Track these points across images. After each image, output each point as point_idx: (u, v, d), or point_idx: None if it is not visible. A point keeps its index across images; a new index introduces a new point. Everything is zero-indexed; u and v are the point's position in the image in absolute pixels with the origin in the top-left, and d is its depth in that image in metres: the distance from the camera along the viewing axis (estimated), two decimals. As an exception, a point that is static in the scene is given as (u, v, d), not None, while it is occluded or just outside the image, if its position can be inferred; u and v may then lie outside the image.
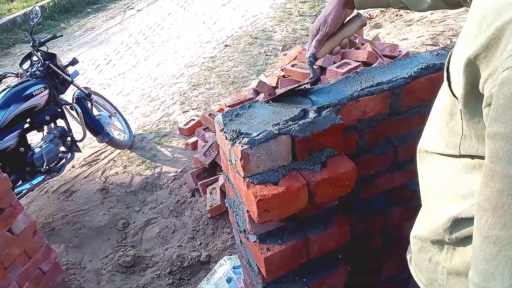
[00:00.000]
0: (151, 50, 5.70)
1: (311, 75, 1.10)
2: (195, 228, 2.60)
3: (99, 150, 3.58)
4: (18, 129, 2.74)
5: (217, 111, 3.33)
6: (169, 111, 4.06)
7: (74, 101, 3.16)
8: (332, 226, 1.07)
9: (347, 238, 1.10)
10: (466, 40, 0.55)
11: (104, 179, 3.19)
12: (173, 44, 5.71)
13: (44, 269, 2.22)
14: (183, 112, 3.97)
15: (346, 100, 1.03)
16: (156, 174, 3.15)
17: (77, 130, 3.39)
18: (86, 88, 3.33)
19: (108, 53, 5.89)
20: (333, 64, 2.83)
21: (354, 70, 1.15)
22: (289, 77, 3.03)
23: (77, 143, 3.19)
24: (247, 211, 0.99)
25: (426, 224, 0.76)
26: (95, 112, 3.38)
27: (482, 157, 0.60)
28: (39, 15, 3.04)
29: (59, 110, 3.04)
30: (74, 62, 3.20)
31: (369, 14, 5.02)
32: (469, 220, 0.65)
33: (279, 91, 2.99)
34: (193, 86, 4.43)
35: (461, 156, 0.65)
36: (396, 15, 4.75)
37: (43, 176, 2.83)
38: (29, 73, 2.94)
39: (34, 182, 2.78)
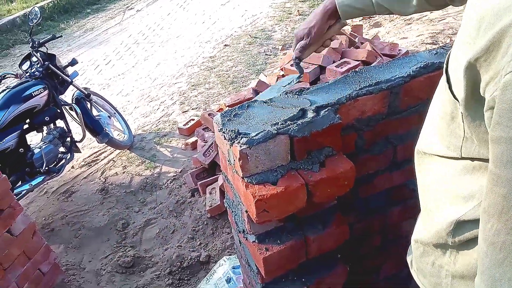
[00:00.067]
0: (150, 50, 5.70)
1: (299, 73, 1.22)
2: (195, 228, 2.60)
3: (98, 151, 3.58)
4: (18, 130, 2.74)
5: (217, 111, 3.33)
6: (168, 111, 4.06)
7: (74, 102, 3.16)
8: (331, 226, 1.06)
9: (346, 238, 1.10)
10: (464, 43, 0.55)
11: (104, 180, 3.19)
12: (173, 44, 5.71)
13: (43, 270, 2.22)
14: (183, 112, 3.97)
15: (344, 100, 1.03)
16: (155, 174, 3.15)
17: (76, 130, 3.39)
18: (85, 88, 3.33)
19: (108, 53, 5.89)
20: (333, 63, 2.83)
21: (353, 69, 1.15)
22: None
23: (77, 143, 3.19)
24: (246, 211, 0.99)
25: (428, 227, 0.75)
26: (94, 112, 3.38)
27: (483, 159, 0.60)
28: (39, 16, 3.04)
29: (59, 110, 3.04)
30: (73, 62, 3.20)
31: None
32: (472, 223, 0.64)
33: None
34: (192, 86, 4.43)
35: (462, 158, 0.64)
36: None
37: (42, 177, 2.83)
38: (28, 73, 2.94)
39: (34, 183, 2.78)
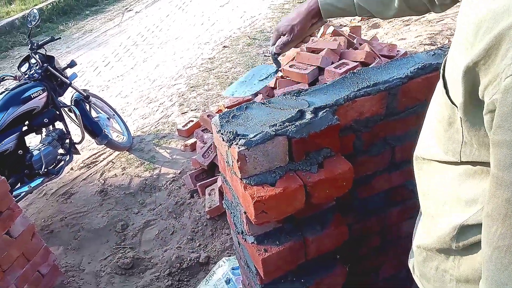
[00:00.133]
0: (149, 51, 5.70)
1: (277, 67, 1.18)
2: (194, 230, 2.60)
3: (97, 152, 3.58)
4: (17, 132, 2.74)
5: (216, 112, 3.34)
6: (167, 112, 4.06)
7: (73, 104, 3.16)
8: (329, 227, 1.07)
9: (344, 239, 1.10)
10: (461, 48, 0.55)
11: (103, 181, 3.19)
12: (172, 46, 5.72)
13: (42, 272, 2.22)
14: (182, 113, 3.97)
15: (342, 101, 1.04)
16: (154, 176, 3.15)
17: (75, 132, 3.39)
18: (84, 90, 3.33)
19: (107, 55, 5.89)
20: (331, 65, 2.84)
21: (351, 71, 1.16)
22: (287, 78, 3.03)
23: (76, 145, 3.18)
24: (245, 213, 0.99)
25: (430, 232, 0.75)
26: (93, 114, 3.38)
27: (484, 163, 0.60)
28: (37, 17, 3.04)
29: (58, 112, 3.04)
30: (72, 64, 3.21)
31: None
32: (475, 227, 0.64)
33: (277, 92, 3.00)
34: (191, 87, 4.43)
35: (461, 162, 0.64)
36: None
37: (41, 179, 2.83)
38: (27, 75, 2.94)
39: (33, 184, 2.78)
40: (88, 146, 3.68)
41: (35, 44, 2.98)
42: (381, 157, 1.19)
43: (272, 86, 3.11)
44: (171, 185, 3.02)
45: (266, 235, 1.04)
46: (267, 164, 0.93)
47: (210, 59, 5.02)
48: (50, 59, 3.07)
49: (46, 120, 2.94)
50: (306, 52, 3.04)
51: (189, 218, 2.69)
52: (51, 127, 3.06)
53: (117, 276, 2.41)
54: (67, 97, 3.32)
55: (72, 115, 3.19)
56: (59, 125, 3.13)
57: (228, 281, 1.85)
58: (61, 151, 3.07)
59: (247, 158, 0.89)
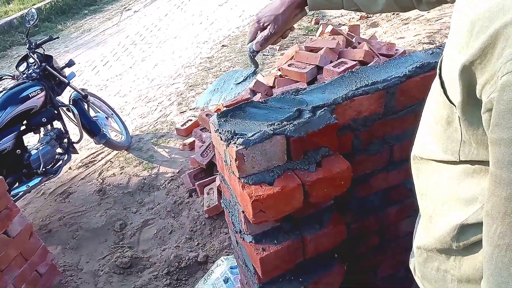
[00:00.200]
0: (148, 51, 5.69)
1: (254, 67, 1.08)
2: (193, 229, 2.60)
3: (96, 152, 3.58)
4: (15, 131, 2.74)
5: (214, 111, 3.33)
6: (166, 111, 4.05)
7: (71, 103, 3.16)
8: (327, 226, 1.06)
9: (343, 238, 1.10)
10: (457, 47, 0.54)
11: (101, 181, 3.19)
12: (170, 45, 5.71)
13: (40, 271, 2.21)
14: (180, 112, 3.96)
15: (341, 100, 1.03)
16: (153, 175, 3.15)
17: (73, 131, 3.38)
18: (82, 89, 3.33)
19: (105, 54, 5.88)
20: (330, 64, 2.84)
21: (350, 70, 1.16)
22: (286, 77, 3.03)
23: (74, 144, 3.18)
24: (243, 212, 0.99)
25: (430, 233, 0.74)
26: (92, 113, 3.38)
27: (483, 162, 0.60)
28: (36, 17, 3.04)
29: (56, 112, 3.04)
30: (70, 63, 3.20)
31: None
32: (476, 226, 0.64)
33: (275, 91, 2.99)
34: (190, 86, 4.42)
35: (460, 162, 0.63)
36: (393, 14, 4.75)
37: (39, 178, 2.83)
38: (25, 75, 2.93)
39: (31, 184, 2.77)
40: (86, 146, 3.68)
41: (33, 44, 2.98)
42: (379, 156, 1.19)
43: (271, 85, 3.10)
44: (169, 184, 3.02)
45: (264, 234, 1.04)
46: (265, 163, 0.93)
47: (209, 58, 5.02)
48: (48, 59, 3.06)
49: (44, 119, 2.94)
50: (305, 51, 3.04)
51: (188, 217, 2.69)
52: (49, 126, 3.05)
53: (115, 276, 2.41)
54: (65, 97, 3.32)
55: (70, 114, 3.19)
56: (57, 124, 3.13)
57: (226, 280, 1.85)
58: (59, 150, 3.07)
59: (245, 157, 0.89)
